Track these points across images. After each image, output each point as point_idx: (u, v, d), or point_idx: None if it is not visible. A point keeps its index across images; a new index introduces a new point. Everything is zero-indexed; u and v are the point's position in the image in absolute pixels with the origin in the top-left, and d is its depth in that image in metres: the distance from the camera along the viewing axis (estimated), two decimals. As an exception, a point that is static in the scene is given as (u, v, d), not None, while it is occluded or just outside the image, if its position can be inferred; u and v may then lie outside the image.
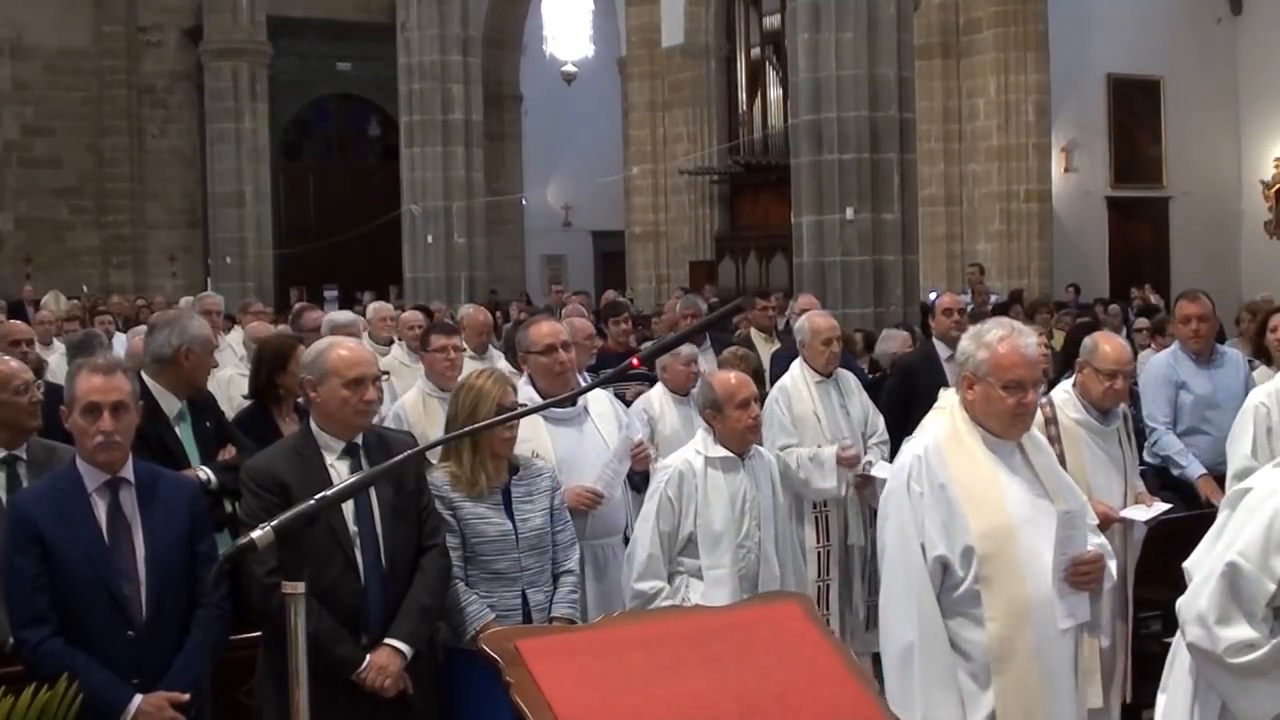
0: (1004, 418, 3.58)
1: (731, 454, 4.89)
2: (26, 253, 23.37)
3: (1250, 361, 7.02)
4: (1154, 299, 16.77)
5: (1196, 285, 7.71)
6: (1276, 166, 21.34)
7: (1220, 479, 6.10)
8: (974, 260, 18.73)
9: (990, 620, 3.49)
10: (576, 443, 4.98)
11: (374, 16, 24.29)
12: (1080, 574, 3.57)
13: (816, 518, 6.42)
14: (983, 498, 3.53)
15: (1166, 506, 5.48)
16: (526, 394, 4.98)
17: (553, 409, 4.88)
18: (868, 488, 6.33)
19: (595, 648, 2.76)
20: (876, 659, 6.08)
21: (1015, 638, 3.50)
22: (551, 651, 2.69)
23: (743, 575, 4.81)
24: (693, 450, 4.95)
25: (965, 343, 3.68)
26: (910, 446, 3.68)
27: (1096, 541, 3.70)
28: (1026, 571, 3.51)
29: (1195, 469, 6.32)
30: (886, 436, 6.52)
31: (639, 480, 5.40)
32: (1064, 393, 5.38)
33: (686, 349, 6.48)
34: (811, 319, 6.70)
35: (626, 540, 5.07)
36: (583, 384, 5.48)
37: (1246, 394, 6.60)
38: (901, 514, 3.57)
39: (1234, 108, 21.58)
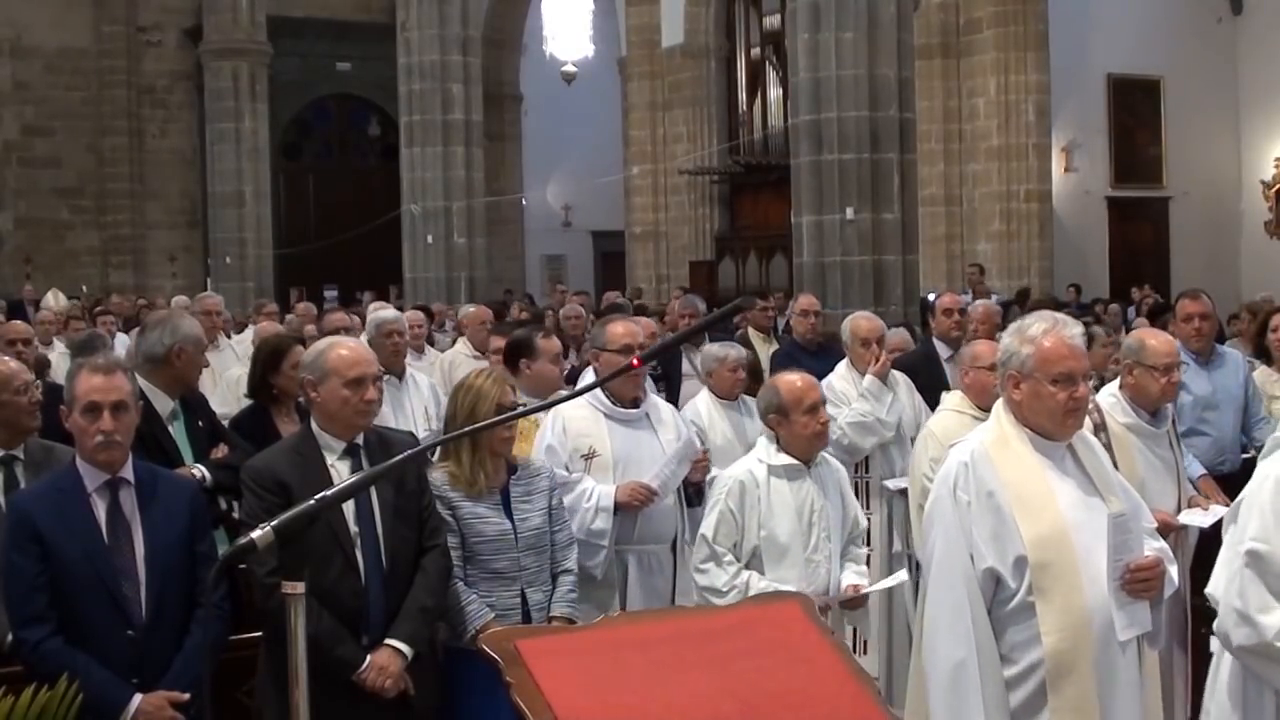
0: (1055, 414, 3.39)
1: (797, 461, 4.66)
2: (26, 253, 23.37)
3: (1250, 362, 7.02)
4: (1156, 298, 16.75)
5: (1196, 285, 7.71)
6: (1276, 166, 21.34)
7: (1220, 479, 6.09)
8: (974, 260, 18.74)
9: (1046, 634, 3.28)
10: (635, 443, 4.98)
11: (374, 16, 24.28)
12: (1138, 581, 3.34)
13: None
14: (1034, 503, 3.34)
15: (1224, 510, 5.47)
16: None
17: (616, 409, 4.94)
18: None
19: (595, 648, 2.76)
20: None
21: (1073, 651, 3.29)
22: (551, 651, 2.69)
23: (812, 592, 4.48)
24: (754, 459, 4.74)
25: (1008, 340, 3.50)
26: (955, 453, 3.49)
27: (1156, 545, 3.50)
28: (1084, 580, 3.31)
29: (1195, 469, 6.31)
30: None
31: (692, 494, 5.25)
32: (1110, 396, 5.27)
33: (734, 353, 6.46)
34: (854, 320, 6.80)
35: (674, 550, 5.04)
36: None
37: (1245, 394, 6.61)
38: (947, 524, 3.38)
39: (1234, 108, 21.58)
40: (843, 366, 6.69)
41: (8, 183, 23.62)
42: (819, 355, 7.95)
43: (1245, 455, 6.62)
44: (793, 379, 4.76)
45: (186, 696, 3.70)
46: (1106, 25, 20.03)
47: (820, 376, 7.39)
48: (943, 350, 7.35)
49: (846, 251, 11.72)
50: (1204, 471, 6.20)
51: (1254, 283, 17.59)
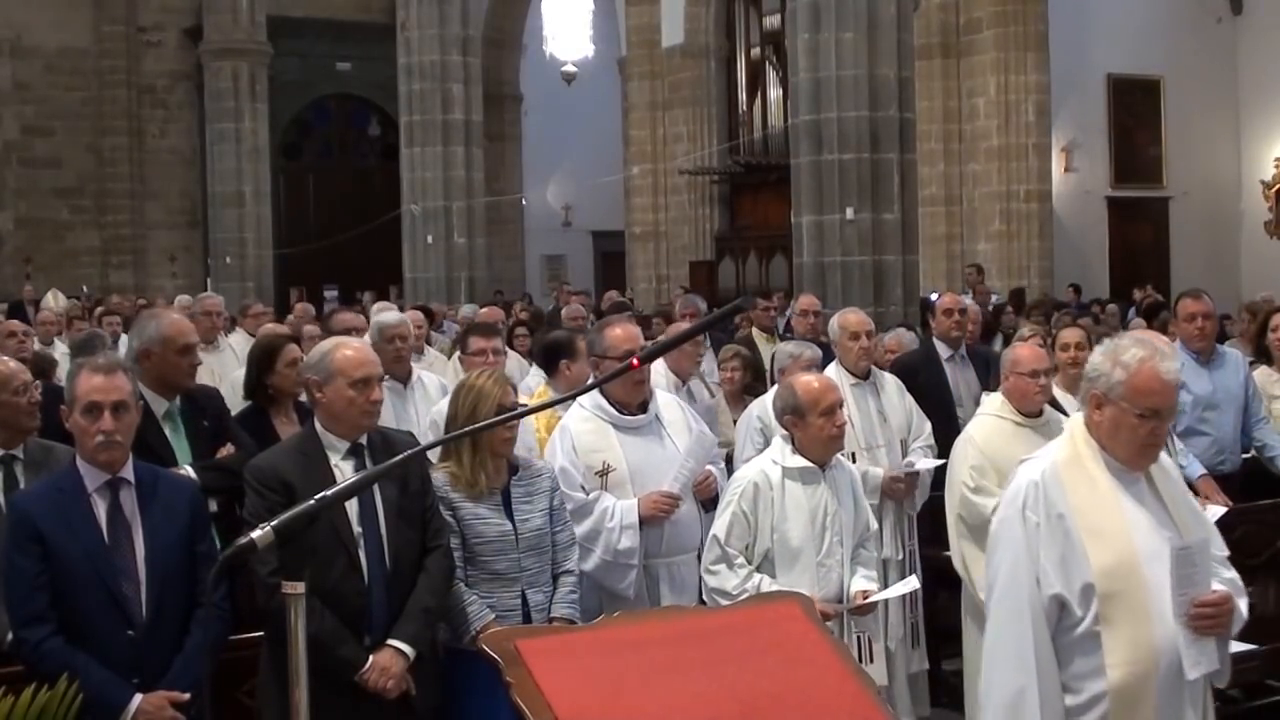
0: (1132, 445, 3.23)
1: (811, 464, 4.58)
2: (26, 253, 23.36)
3: (1250, 362, 7.01)
4: (1157, 298, 16.76)
5: (1196, 285, 7.71)
6: (1276, 166, 21.34)
7: (1220, 479, 6.10)
8: (974, 260, 18.73)
9: (1111, 667, 3.14)
10: (649, 451, 4.79)
11: (374, 16, 24.27)
12: (1202, 618, 3.17)
13: None
14: (1105, 530, 3.19)
15: (1223, 510, 5.48)
16: (593, 401, 4.79)
17: (624, 417, 4.76)
18: (909, 496, 6.03)
19: (595, 648, 2.76)
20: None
21: (1139, 686, 3.14)
22: (551, 651, 2.69)
23: (824, 598, 4.44)
24: (769, 460, 4.65)
25: (1098, 358, 3.33)
26: (1025, 470, 3.32)
27: (1226, 577, 3.32)
28: (1153, 613, 3.15)
29: (1195, 469, 6.31)
30: (933, 440, 6.24)
31: (707, 501, 5.03)
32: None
33: (810, 352, 6.34)
34: (842, 315, 6.50)
35: (699, 557, 4.83)
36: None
37: (1245, 394, 6.62)
38: (1015, 545, 3.23)
39: (1234, 108, 21.58)
40: (831, 368, 6.43)
41: (8, 183, 23.62)
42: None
43: (1245, 455, 6.62)
44: (810, 380, 4.66)
45: (187, 696, 3.71)
46: (1106, 25, 20.03)
47: (821, 377, 7.48)
48: (943, 350, 7.34)
49: (846, 251, 11.72)
50: (1204, 471, 6.21)
51: (1254, 283, 17.59)
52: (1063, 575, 3.17)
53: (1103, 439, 3.27)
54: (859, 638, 5.51)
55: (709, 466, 4.95)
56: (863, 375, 6.24)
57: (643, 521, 4.68)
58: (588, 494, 4.70)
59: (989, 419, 5.38)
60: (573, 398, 4.88)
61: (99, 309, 14.54)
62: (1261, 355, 7.17)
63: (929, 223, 17.82)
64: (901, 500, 6.03)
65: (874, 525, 4.91)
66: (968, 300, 12.05)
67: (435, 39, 18.08)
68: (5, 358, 4.69)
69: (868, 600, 4.60)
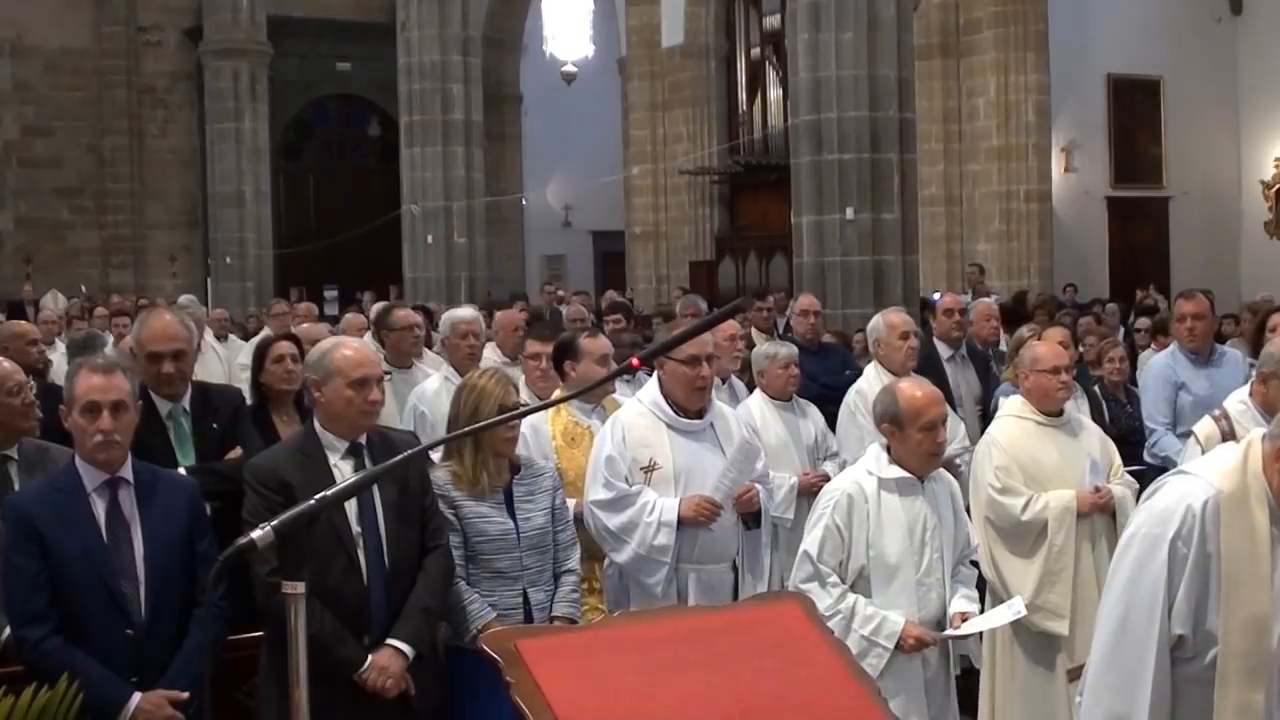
0: None
1: (910, 475, 4.33)
2: (26, 253, 23.35)
3: (1250, 362, 7.01)
4: (1157, 299, 16.77)
5: (1196, 285, 7.73)
6: (1276, 166, 21.34)
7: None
8: (974, 260, 18.74)
9: None
10: (698, 456, 4.68)
11: (374, 16, 24.26)
12: None
13: None
14: (1247, 581, 2.88)
15: None
16: (651, 398, 4.73)
17: (679, 419, 4.66)
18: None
19: (595, 648, 2.76)
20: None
21: None
22: (551, 651, 2.69)
23: (923, 619, 4.25)
24: (863, 469, 4.40)
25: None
26: (1184, 490, 2.91)
27: None
28: (1269, 679, 2.87)
29: (1195, 469, 6.30)
30: (968, 442, 6.24)
31: (749, 517, 4.87)
32: (1239, 404, 5.17)
33: (785, 350, 6.31)
34: (886, 315, 6.41)
35: (734, 569, 4.78)
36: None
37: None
38: (1154, 568, 2.88)
39: (1234, 108, 21.58)
40: (871, 370, 6.34)
41: (8, 183, 23.61)
42: (819, 355, 7.95)
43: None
44: (914, 390, 4.36)
45: (185, 695, 3.71)
46: (1106, 25, 20.03)
47: (820, 377, 7.46)
48: (944, 350, 7.34)
49: (846, 251, 11.72)
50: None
51: (1254, 283, 17.60)
52: (1192, 618, 2.89)
53: (1276, 484, 2.88)
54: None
55: (755, 484, 4.78)
56: (904, 374, 6.11)
57: (681, 523, 4.57)
58: (630, 486, 4.62)
59: (1010, 420, 5.28)
60: (570, 398, 4.87)
61: (98, 309, 14.55)
62: (1259, 355, 7.15)
63: (929, 223, 17.82)
64: None
65: (975, 540, 4.67)
66: (994, 299, 12.05)
67: (435, 39, 18.08)
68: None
69: (966, 626, 4.30)
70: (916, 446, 4.28)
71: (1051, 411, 5.23)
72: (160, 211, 24.65)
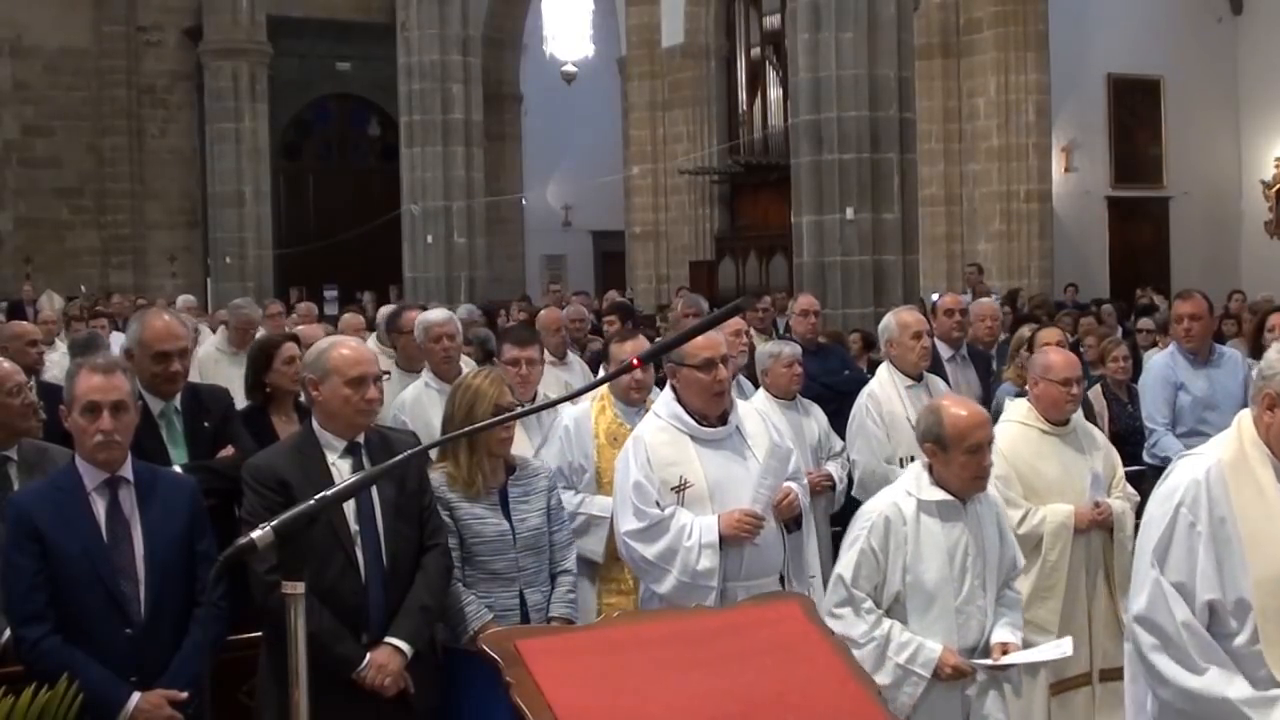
0: None
1: (952, 498, 4.11)
2: (26, 253, 23.36)
3: (1250, 363, 7.01)
4: (1155, 299, 16.77)
5: (1196, 285, 7.73)
6: (1277, 166, 21.35)
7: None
8: (974, 260, 18.74)
9: None
10: (729, 466, 4.38)
11: (374, 16, 24.27)
12: None
13: None
14: (1267, 539, 2.93)
15: None
16: (669, 411, 4.42)
17: (702, 429, 4.36)
18: None
19: (595, 648, 2.76)
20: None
21: None
22: (551, 651, 2.69)
23: (962, 649, 4.05)
24: (902, 490, 4.18)
25: (1275, 355, 3.16)
26: (1185, 467, 3.06)
27: None
28: None
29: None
30: None
31: (790, 521, 4.62)
32: None
33: (789, 349, 6.23)
34: (898, 315, 6.23)
35: (782, 581, 4.51)
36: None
37: (1245, 394, 6.61)
38: (1174, 545, 2.99)
39: (1234, 108, 21.58)
40: (883, 371, 6.16)
41: (8, 183, 23.62)
42: (819, 355, 7.94)
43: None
44: (960, 410, 4.14)
45: (185, 695, 3.70)
46: (1106, 25, 20.03)
47: (820, 377, 7.44)
48: (944, 350, 7.33)
49: (846, 251, 11.73)
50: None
51: (1254, 283, 17.59)
52: (1218, 582, 2.94)
53: (1272, 442, 3.03)
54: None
55: (790, 484, 4.54)
56: (916, 377, 6.02)
57: (723, 541, 4.28)
58: (663, 510, 4.31)
59: (1014, 426, 5.11)
60: (564, 400, 4.82)
61: (98, 307, 14.55)
62: (1259, 355, 7.15)
63: (929, 223, 17.82)
64: None
65: (1021, 562, 4.43)
66: (993, 299, 12.04)
67: (435, 39, 18.08)
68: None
69: (1007, 659, 4.08)
70: (960, 469, 4.07)
71: (1058, 420, 5.14)
72: (160, 211, 24.67)
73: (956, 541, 4.08)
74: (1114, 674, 4.71)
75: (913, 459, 5.64)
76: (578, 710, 2.53)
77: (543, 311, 8.19)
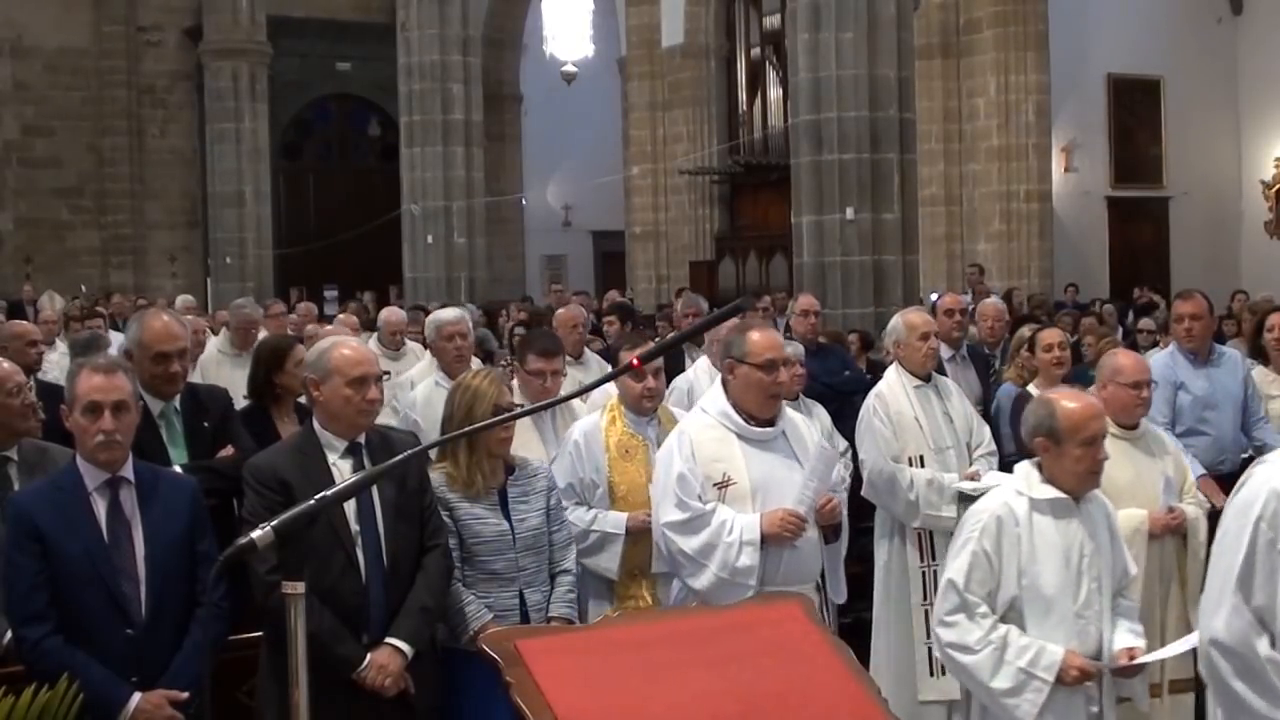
0: None
1: (1065, 495, 3.94)
2: (26, 253, 23.36)
3: (1250, 363, 7.01)
4: (1153, 298, 16.78)
5: (1196, 285, 7.73)
6: (1276, 166, 21.35)
7: (1219, 479, 6.10)
8: (974, 260, 18.74)
9: None
10: (774, 467, 4.32)
11: (374, 16, 24.27)
12: None
13: (920, 535, 5.71)
14: None
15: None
16: (718, 408, 4.36)
17: (751, 428, 4.30)
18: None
19: (595, 648, 2.76)
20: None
21: None
22: (551, 651, 2.69)
23: (1083, 655, 3.88)
24: (1012, 489, 4.01)
25: None
26: (1264, 476, 2.86)
27: None
28: None
29: (1195, 469, 6.32)
30: (994, 446, 6.03)
31: (829, 531, 4.51)
32: None
33: (792, 349, 6.06)
34: (905, 315, 6.15)
35: (819, 588, 4.44)
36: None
37: (1245, 394, 6.62)
38: (1253, 557, 2.83)
39: (1234, 108, 21.58)
40: (891, 373, 6.04)
41: (8, 183, 23.62)
42: (819, 355, 7.95)
43: (1245, 455, 6.62)
44: (1072, 403, 3.97)
45: (185, 695, 3.71)
46: (1106, 25, 20.03)
47: (821, 376, 7.46)
48: (944, 350, 7.34)
49: (846, 251, 11.73)
50: (1204, 472, 6.21)
51: (1254, 283, 17.59)
52: (1275, 594, 2.79)
53: None
54: (929, 649, 4.95)
55: (832, 493, 4.44)
56: (925, 378, 5.95)
57: (764, 540, 4.20)
58: (704, 505, 4.26)
59: None
60: (561, 401, 4.80)
61: (97, 308, 14.54)
62: (1258, 355, 7.17)
63: (929, 223, 17.82)
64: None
65: (1134, 569, 4.22)
66: (973, 300, 12.03)
67: (435, 39, 18.09)
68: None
69: (1136, 661, 3.93)
70: (1075, 464, 3.91)
71: (1127, 425, 4.98)
72: (160, 211, 24.67)
73: (1072, 542, 3.92)
74: (1184, 685, 4.64)
75: (921, 459, 5.65)
76: (578, 710, 2.53)
77: (560, 310, 8.08)
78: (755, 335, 4.36)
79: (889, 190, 11.72)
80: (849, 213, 11.63)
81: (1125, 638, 3.98)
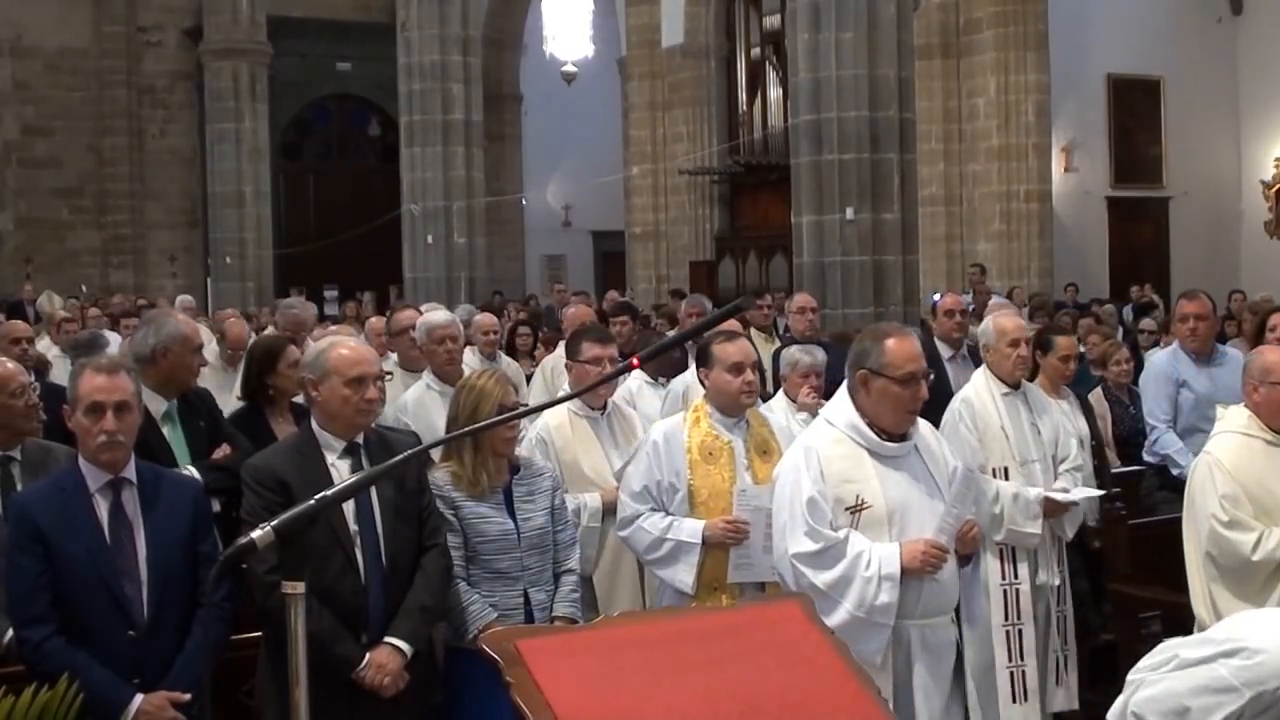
0: None
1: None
2: (26, 253, 23.36)
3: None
4: (1153, 297, 16.79)
5: (1196, 285, 7.74)
6: (1276, 166, 21.35)
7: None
8: (974, 260, 18.74)
9: None
10: (910, 488, 3.94)
11: (374, 16, 24.28)
12: None
13: (1001, 549, 5.45)
14: None
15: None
16: (847, 420, 3.98)
17: (885, 444, 3.94)
18: (1058, 516, 5.52)
19: (595, 648, 2.76)
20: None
21: None
22: (551, 651, 2.69)
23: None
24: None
25: None
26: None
27: None
28: None
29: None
30: (1081, 461, 5.79)
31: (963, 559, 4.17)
32: None
33: (806, 359, 6.11)
34: (996, 319, 5.80)
35: (955, 620, 4.08)
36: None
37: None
38: None
39: (1234, 108, 21.59)
40: (979, 376, 5.75)
41: (8, 183, 23.62)
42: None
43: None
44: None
45: (188, 697, 3.71)
46: (1106, 25, 20.03)
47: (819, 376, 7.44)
48: (944, 350, 7.34)
49: (846, 251, 11.72)
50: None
51: (1254, 283, 17.59)
52: None
53: None
54: (1007, 632, 5.06)
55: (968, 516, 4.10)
56: (1014, 385, 5.66)
57: (903, 573, 3.82)
58: (836, 533, 3.86)
59: (1235, 438, 4.63)
60: (561, 401, 4.77)
61: (94, 310, 14.54)
62: (1260, 355, 7.16)
63: (929, 223, 17.82)
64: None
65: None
66: (974, 300, 12.04)
67: (435, 39, 18.07)
68: (3, 359, 4.67)
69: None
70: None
71: None
72: (160, 211, 24.67)
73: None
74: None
75: (1006, 471, 5.43)
76: (578, 710, 2.53)
77: (569, 309, 8.03)
78: (893, 344, 3.96)
79: (889, 190, 11.71)
80: (849, 213, 11.62)
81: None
